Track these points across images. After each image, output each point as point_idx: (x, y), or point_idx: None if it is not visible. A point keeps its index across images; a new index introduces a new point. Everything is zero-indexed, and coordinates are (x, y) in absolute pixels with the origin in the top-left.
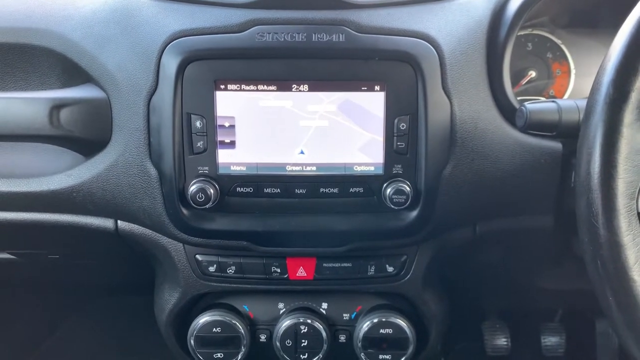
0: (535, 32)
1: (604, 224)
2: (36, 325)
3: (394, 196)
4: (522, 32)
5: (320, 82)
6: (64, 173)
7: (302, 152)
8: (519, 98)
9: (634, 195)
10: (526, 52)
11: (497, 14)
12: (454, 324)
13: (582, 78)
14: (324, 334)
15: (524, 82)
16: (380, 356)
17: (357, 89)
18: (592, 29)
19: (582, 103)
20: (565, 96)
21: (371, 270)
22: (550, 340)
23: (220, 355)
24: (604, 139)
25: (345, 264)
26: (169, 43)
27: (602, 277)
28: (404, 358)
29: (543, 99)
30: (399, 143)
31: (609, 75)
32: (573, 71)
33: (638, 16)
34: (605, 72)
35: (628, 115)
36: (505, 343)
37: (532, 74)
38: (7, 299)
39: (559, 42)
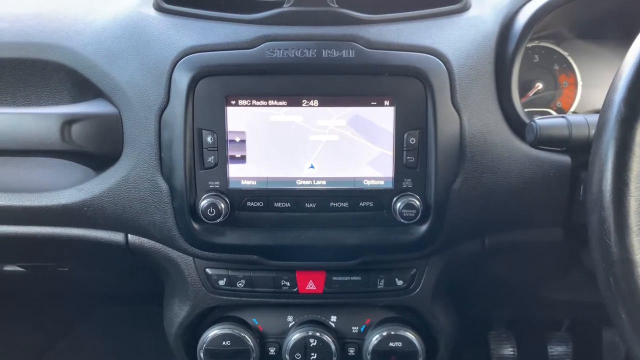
0: (542, 44)
1: (617, 241)
2: (43, 334)
3: (403, 210)
4: (529, 45)
5: (330, 98)
6: (75, 187)
7: (312, 167)
8: (526, 110)
9: None
10: (533, 64)
11: (505, 28)
12: (460, 333)
13: (589, 89)
14: (333, 347)
15: (531, 94)
16: None
17: (366, 104)
18: (599, 41)
19: (592, 118)
20: (573, 108)
21: (381, 284)
22: (556, 350)
23: None
24: (616, 157)
25: (355, 278)
26: (180, 59)
27: (615, 294)
28: None
29: (551, 111)
30: (408, 157)
31: (621, 93)
32: (580, 83)
33: None
34: (617, 89)
35: (639, 134)
36: (511, 352)
37: (539, 85)
38: (15, 308)
39: (565, 54)
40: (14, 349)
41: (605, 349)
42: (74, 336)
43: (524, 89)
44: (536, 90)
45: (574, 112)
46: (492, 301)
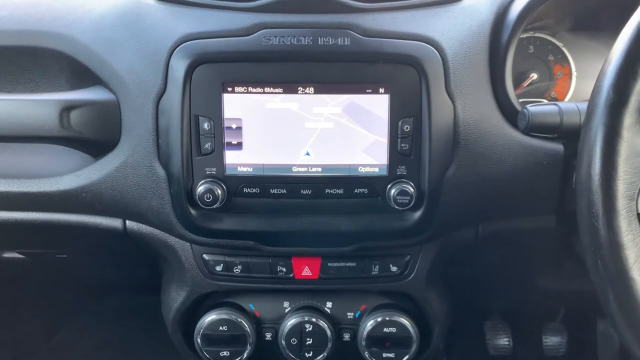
0: (537, 34)
1: (605, 224)
2: (43, 324)
3: (398, 197)
4: (524, 35)
5: (326, 85)
6: (74, 173)
7: (307, 154)
8: (520, 100)
9: (634, 197)
10: (528, 54)
11: (500, 17)
12: (456, 323)
13: (583, 80)
14: (328, 332)
15: (526, 84)
16: (384, 354)
17: (362, 91)
18: (593, 32)
19: (583, 106)
20: (567, 98)
21: (375, 270)
22: (551, 340)
23: (227, 353)
24: (604, 142)
25: (350, 264)
26: (178, 46)
27: (603, 276)
28: (407, 357)
29: (545, 101)
30: (403, 145)
31: (610, 79)
32: (574, 73)
33: (638, 21)
34: (606, 76)
35: (628, 119)
36: (507, 343)
37: (534, 76)
38: (14, 297)
39: (560, 44)
40: (13, 339)
41: (600, 339)
42: (72, 326)
43: (519, 79)
44: (531, 80)
45: None
46: (487, 291)
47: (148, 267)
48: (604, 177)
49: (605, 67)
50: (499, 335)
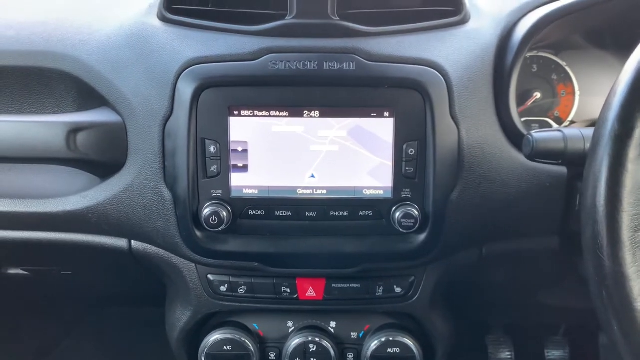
0: (540, 54)
1: (609, 255)
2: (45, 336)
3: (402, 220)
4: (527, 54)
5: (331, 109)
6: (80, 194)
7: (312, 176)
8: (524, 119)
9: (639, 228)
10: (531, 73)
11: (504, 40)
12: (458, 338)
13: (586, 98)
14: (332, 352)
15: (530, 103)
16: None
17: (366, 115)
18: (597, 51)
19: (587, 132)
20: (570, 117)
21: (379, 291)
22: (554, 354)
23: None
24: (609, 174)
25: (354, 285)
26: (184, 70)
27: (607, 306)
28: None
29: (549, 120)
30: (407, 168)
31: (615, 110)
32: (577, 92)
33: None
34: (611, 107)
35: (632, 151)
36: (509, 356)
37: (537, 95)
38: (17, 310)
39: (563, 64)
40: (17, 351)
41: (602, 353)
42: (76, 338)
43: (523, 98)
44: (534, 99)
45: (571, 121)
46: (489, 307)
47: (152, 281)
48: (608, 209)
49: (609, 99)
50: (502, 350)
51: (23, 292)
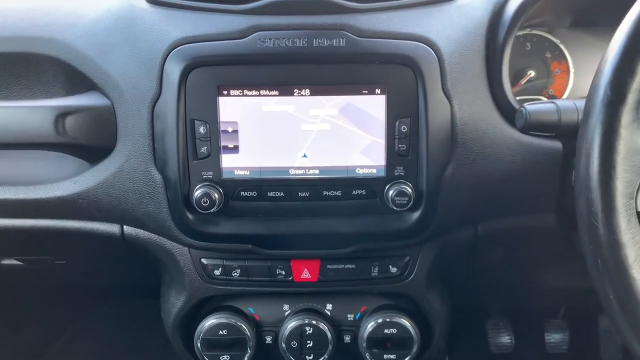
0: (533, 32)
1: (604, 223)
2: (42, 329)
3: (396, 198)
4: (520, 32)
5: (322, 87)
6: (70, 180)
7: (304, 156)
8: (518, 98)
9: (633, 195)
10: (525, 51)
11: (496, 15)
12: (457, 322)
13: (581, 77)
14: (329, 334)
15: (524, 82)
16: (385, 356)
17: (358, 92)
18: (591, 28)
19: (581, 103)
20: (565, 95)
21: (375, 271)
22: (554, 337)
23: (227, 357)
24: (602, 140)
25: (349, 266)
26: (172, 50)
27: (603, 275)
28: (408, 357)
29: (544, 98)
30: (400, 145)
31: (606, 77)
32: (572, 70)
33: (634, 18)
34: (603, 74)
35: (626, 116)
36: (509, 341)
37: (532, 73)
38: (14, 303)
39: (557, 41)
40: (14, 345)
41: (602, 335)
42: (73, 331)
43: (517, 77)
44: (528, 78)
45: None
46: (488, 290)
47: (147, 270)
48: (602, 175)
49: (602, 65)
50: (501, 334)
51: (19, 285)
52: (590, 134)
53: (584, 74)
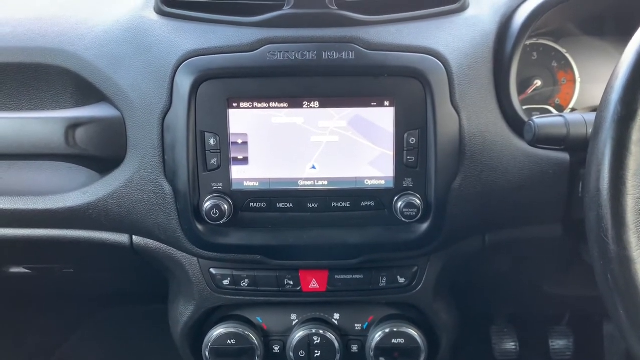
0: (540, 41)
1: (614, 239)
2: (48, 335)
3: (404, 209)
4: (527, 42)
5: (331, 99)
6: (80, 190)
7: (313, 167)
8: (525, 107)
9: None
10: (532, 61)
11: (503, 27)
12: (462, 328)
13: (587, 86)
14: (336, 344)
15: (530, 91)
16: None
17: (367, 104)
18: (597, 38)
19: (589, 117)
20: (571, 104)
21: (383, 282)
22: (558, 344)
23: None
24: (613, 156)
25: (357, 276)
26: (182, 63)
27: (613, 291)
28: None
29: (550, 108)
30: (409, 157)
31: (617, 93)
32: (578, 79)
33: None
34: (613, 89)
35: (636, 133)
36: (513, 347)
37: (538, 82)
38: (21, 309)
39: (563, 51)
40: (21, 350)
41: (607, 342)
42: (80, 336)
43: (523, 86)
44: (535, 87)
45: (572, 109)
46: (493, 297)
47: (154, 277)
48: (613, 192)
49: (612, 81)
50: (505, 340)
51: (26, 291)
52: (601, 149)
53: (590, 83)
